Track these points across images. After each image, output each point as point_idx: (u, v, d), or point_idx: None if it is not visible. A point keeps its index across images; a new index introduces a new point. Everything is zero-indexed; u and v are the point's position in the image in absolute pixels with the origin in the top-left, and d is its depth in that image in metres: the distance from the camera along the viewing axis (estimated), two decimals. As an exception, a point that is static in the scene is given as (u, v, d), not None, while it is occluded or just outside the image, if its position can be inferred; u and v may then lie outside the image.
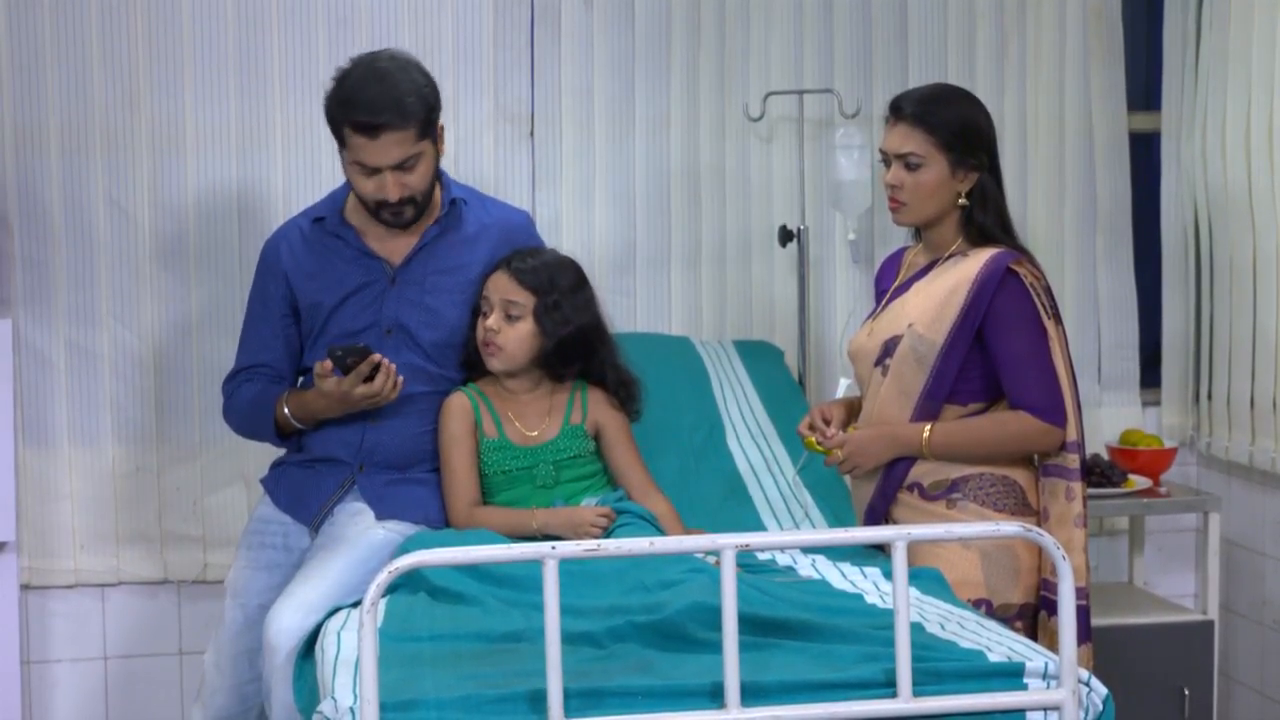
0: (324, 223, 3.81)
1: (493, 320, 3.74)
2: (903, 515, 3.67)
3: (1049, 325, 3.61)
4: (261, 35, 4.43)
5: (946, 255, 3.69)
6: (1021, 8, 4.78)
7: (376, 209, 3.69)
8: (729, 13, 4.66)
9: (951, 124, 3.62)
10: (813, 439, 3.74)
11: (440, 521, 3.76)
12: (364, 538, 3.66)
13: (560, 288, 3.75)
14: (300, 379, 3.86)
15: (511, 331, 3.73)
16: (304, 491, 3.81)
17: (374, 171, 3.62)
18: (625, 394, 3.87)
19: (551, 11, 4.58)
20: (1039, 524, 3.62)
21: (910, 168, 3.63)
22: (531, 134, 4.61)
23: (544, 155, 4.62)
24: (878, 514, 3.70)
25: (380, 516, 3.73)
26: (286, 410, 3.74)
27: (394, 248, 3.77)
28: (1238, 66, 4.59)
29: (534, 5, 4.58)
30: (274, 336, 3.82)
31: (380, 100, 3.57)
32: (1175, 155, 4.92)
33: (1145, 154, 5.02)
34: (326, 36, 4.45)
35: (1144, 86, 5.05)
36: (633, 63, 4.64)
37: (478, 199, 3.89)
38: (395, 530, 3.70)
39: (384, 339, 3.73)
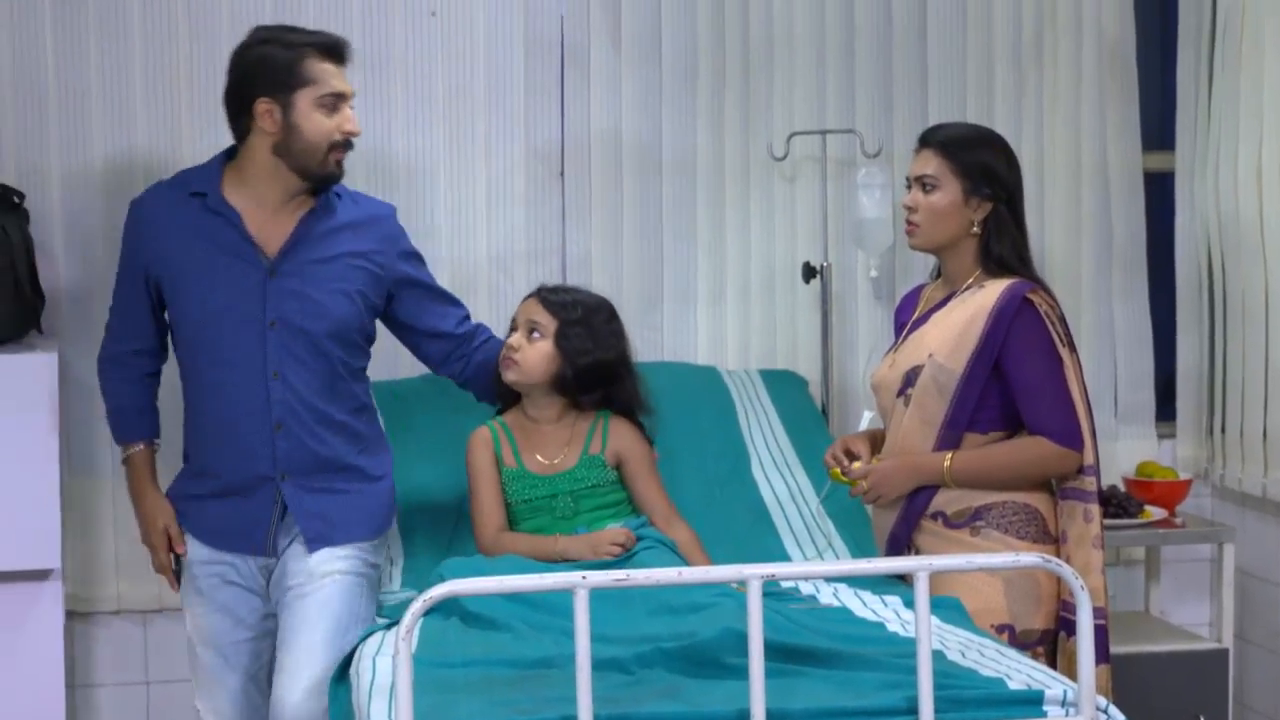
0: (205, 200, 3.69)
1: (514, 339, 3.82)
2: (926, 543, 3.72)
3: (1064, 353, 3.67)
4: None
5: (964, 287, 3.76)
6: (1038, 50, 4.81)
7: (330, 152, 3.66)
8: (753, 55, 4.70)
9: (970, 152, 3.74)
10: (837, 470, 3.81)
11: (371, 533, 3.76)
12: (323, 594, 3.65)
13: (584, 320, 3.83)
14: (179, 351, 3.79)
15: (530, 350, 3.81)
16: (236, 524, 3.73)
17: (335, 106, 3.64)
18: (641, 419, 3.92)
19: (581, 54, 4.63)
20: (1058, 549, 3.68)
21: (926, 190, 3.74)
22: (562, 173, 4.65)
23: (574, 193, 4.65)
24: (900, 543, 3.74)
25: (312, 545, 3.68)
26: (127, 456, 3.83)
27: (272, 235, 3.70)
28: (1249, 107, 4.62)
29: (564, 48, 4.63)
30: (147, 317, 3.77)
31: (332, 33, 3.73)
32: (1189, 193, 4.93)
33: (1160, 192, 5.03)
34: (363, 79, 4.40)
35: (1158, 127, 5.07)
36: (660, 104, 4.68)
37: (348, 194, 3.84)
38: (339, 568, 3.68)
39: (268, 331, 3.67)
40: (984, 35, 4.80)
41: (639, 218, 4.70)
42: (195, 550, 3.78)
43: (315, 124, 3.63)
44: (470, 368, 3.96)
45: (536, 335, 3.82)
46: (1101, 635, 3.64)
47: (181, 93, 4.46)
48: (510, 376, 3.84)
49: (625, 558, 3.68)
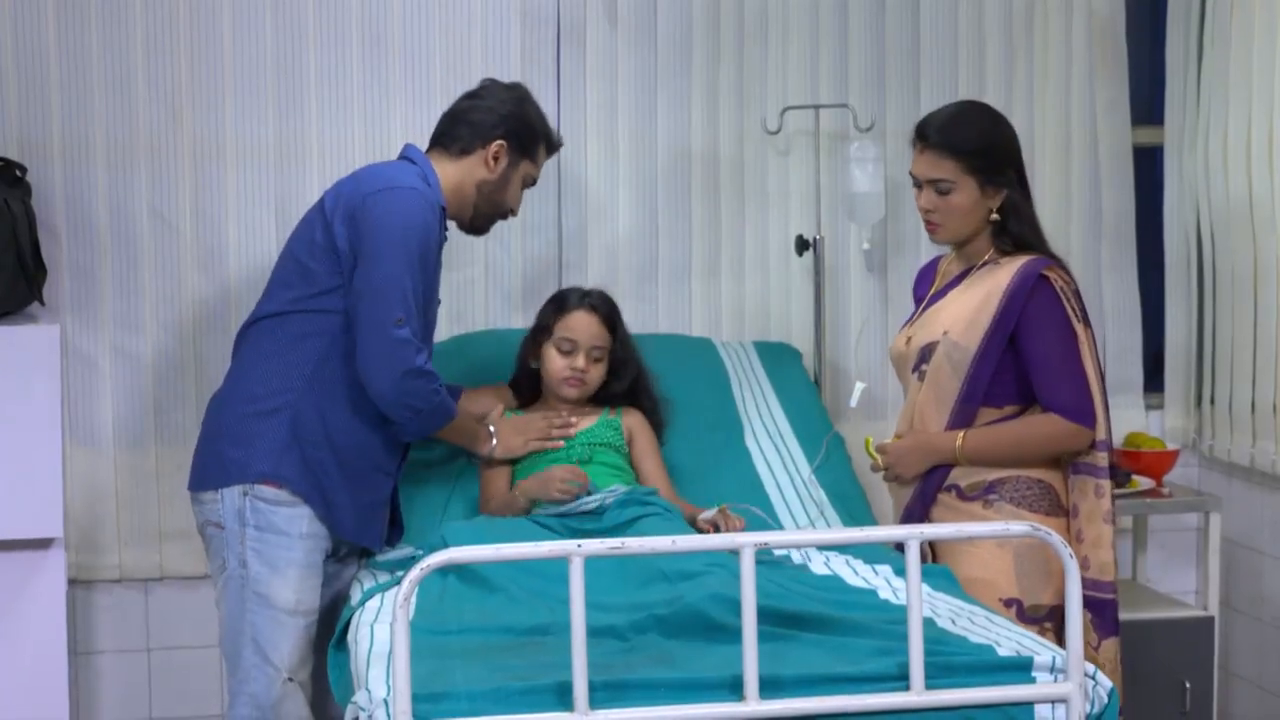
0: (443, 213, 3.82)
1: (582, 362, 3.98)
2: (940, 515, 3.74)
3: (1079, 329, 3.68)
4: (298, 55, 4.52)
5: (980, 263, 3.77)
6: (1029, 26, 4.84)
7: (492, 219, 3.91)
8: (748, 31, 4.72)
9: (976, 146, 3.70)
10: (870, 438, 3.87)
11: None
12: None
13: (620, 327, 4.07)
14: None
15: (595, 371, 4.02)
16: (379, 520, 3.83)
17: (524, 186, 3.91)
18: (654, 415, 4.11)
19: (577, 30, 4.66)
20: (1069, 523, 3.70)
21: (942, 192, 3.71)
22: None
23: (570, 167, 4.68)
24: (913, 517, 3.76)
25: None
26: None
27: None
28: (1238, 83, 4.64)
29: (560, 24, 4.66)
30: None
31: None
32: (1178, 168, 4.95)
33: (1149, 167, 5.05)
34: (360, 55, 4.53)
35: (1147, 102, 5.08)
36: (655, 79, 4.70)
37: None
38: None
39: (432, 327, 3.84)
40: (975, 10, 4.83)
41: (634, 190, 4.73)
42: (312, 525, 3.70)
43: (515, 190, 3.90)
44: None
45: (598, 358, 4.04)
46: (1111, 609, 3.69)
47: (182, 67, 4.48)
48: (574, 395, 4.02)
49: (626, 524, 3.73)
